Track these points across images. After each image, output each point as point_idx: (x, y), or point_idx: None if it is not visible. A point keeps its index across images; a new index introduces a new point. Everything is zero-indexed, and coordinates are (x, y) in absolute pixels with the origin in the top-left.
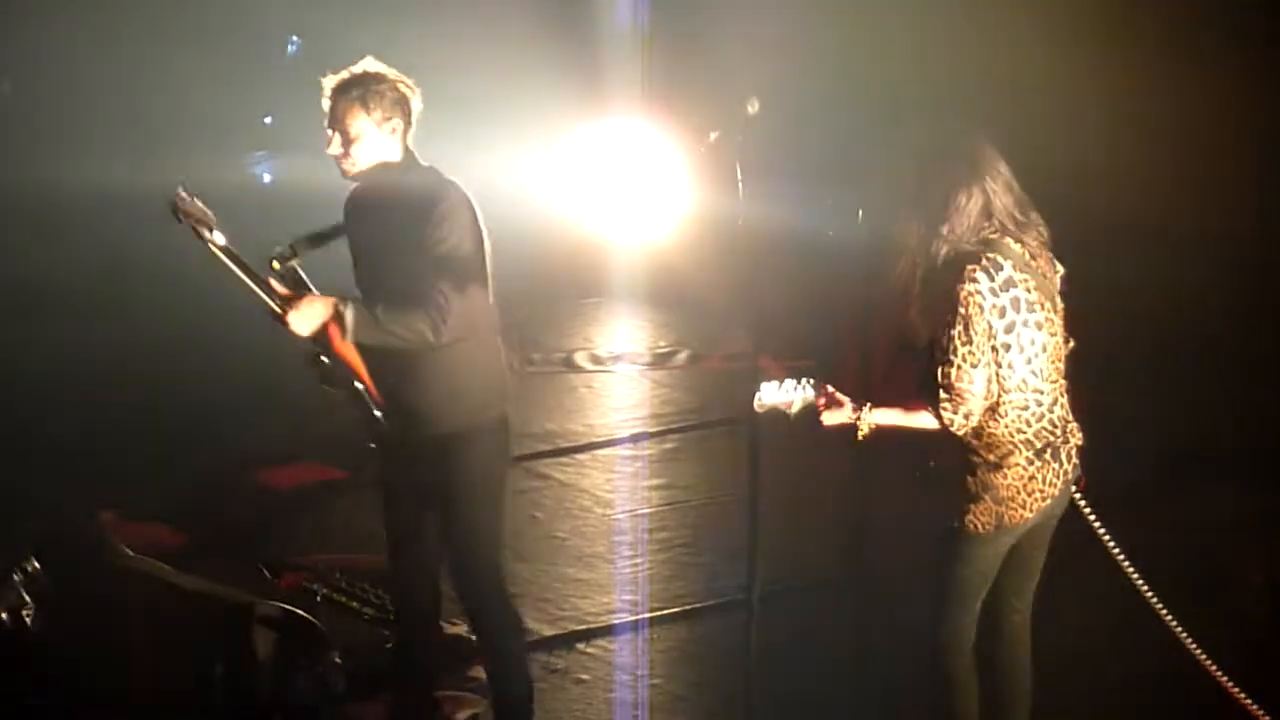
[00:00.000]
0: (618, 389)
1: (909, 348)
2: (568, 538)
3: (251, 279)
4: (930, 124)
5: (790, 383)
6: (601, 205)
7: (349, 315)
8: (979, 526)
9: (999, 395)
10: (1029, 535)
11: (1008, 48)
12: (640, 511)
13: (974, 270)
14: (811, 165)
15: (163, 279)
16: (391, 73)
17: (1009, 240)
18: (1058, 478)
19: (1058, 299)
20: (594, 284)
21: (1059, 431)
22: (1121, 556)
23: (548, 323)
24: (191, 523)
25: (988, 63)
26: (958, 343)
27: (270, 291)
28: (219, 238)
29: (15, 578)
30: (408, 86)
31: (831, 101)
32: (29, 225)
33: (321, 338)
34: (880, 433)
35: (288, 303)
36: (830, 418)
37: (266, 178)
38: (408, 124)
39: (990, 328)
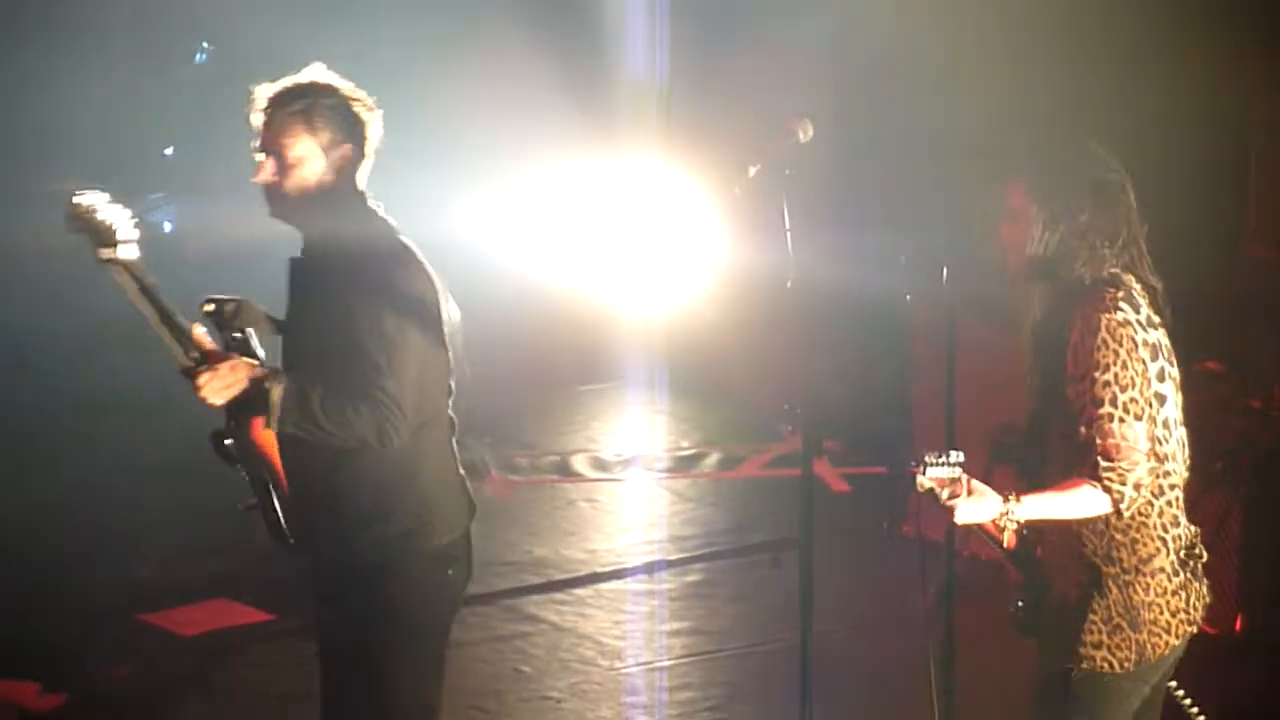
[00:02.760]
0: (628, 503)
1: (1010, 438)
2: (564, 698)
3: (162, 317)
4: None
5: (950, 454)
6: (609, 265)
7: (275, 394)
8: (1115, 664)
9: (1156, 463)
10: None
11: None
12: (658, 664)
13: (1117, 295)
14: (876, 209)
15: (33, 355)
16: (346, 86)
17: (1133, 278)
18: (1199, 601)
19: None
20: (598, 366)
21: (1194, 541)
22: None
23: (538, 416)
24: (69, 680)
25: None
26: (1114, 388)
27: (185, 338)
28: (128, 252)
29: None
30: (365, 106)
31: (902, 130)
32: None
33: (239, 415)
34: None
35: (205, 360)
36: (969, 511)
37: (167, 226)
38: (360, 155)
39: (1146, 371)
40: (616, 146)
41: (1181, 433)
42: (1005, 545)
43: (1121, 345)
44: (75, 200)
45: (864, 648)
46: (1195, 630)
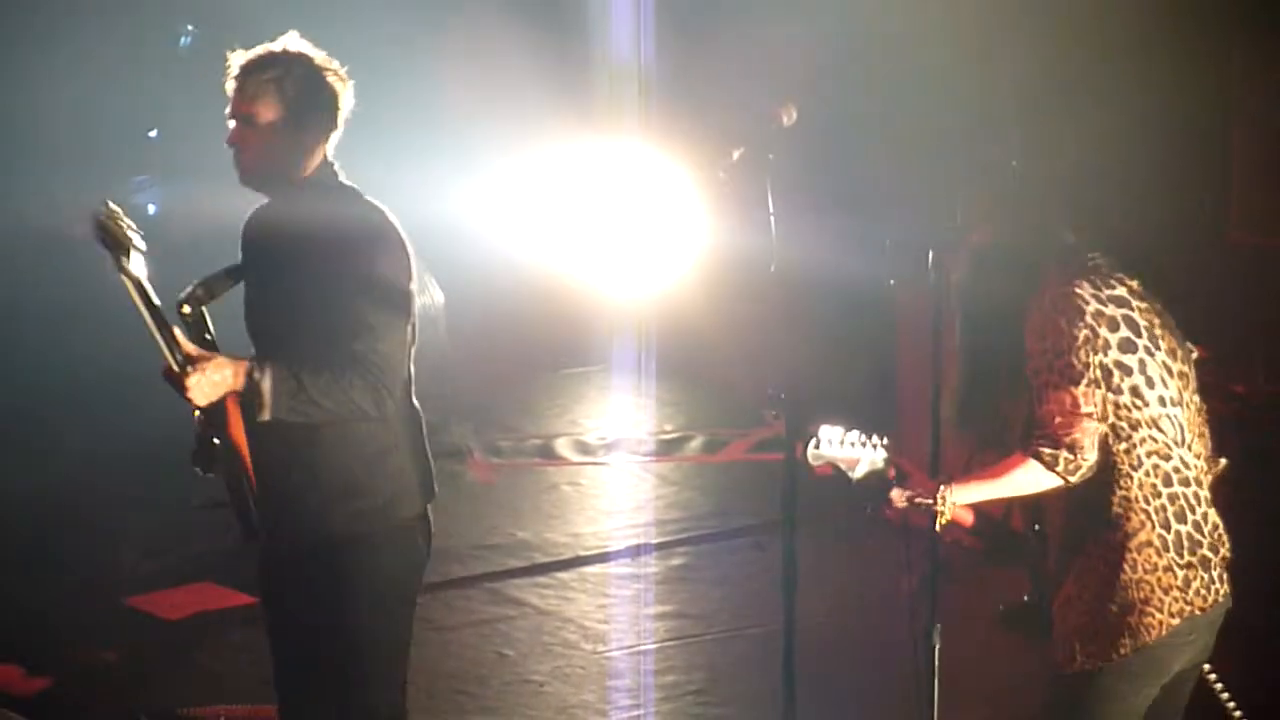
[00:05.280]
0: (612, 487)
1: (995, 425)
2: (546, 682)
3: (158, 327)
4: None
5: (856, 435)
6: (592, 248)
7: (266, 385)
8: (1114, 652)
9: (1126, 433)
10: (1169, 690)
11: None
12: (642, 648)
13: (1074, 275)
14: (860, 194)
15: (7, 341)
16: (319, 55)
17: (1119, 275)
18: (1208, 590)
19: (1192, 373)
20: (581, 349)
21: (1206, 531)
22: None
23: (520, 399)
24: (54, 663)
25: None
26: (1049, 355)
27: (174, 344)
28: (137, 268)
29: None
30: (338, 76)
31: (886, 115)
32: None
33: (217, 413)
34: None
35: (191, 363)
36: (902, 498)
37: (151, 208)
38: (332, 125)
39: (1096, 338)
40: (600, 130)
41: (1174, 411)
42: (938, 529)
43: (1063, 315)
44: (108, 209)
45: (848, 631)
46: (1200, 620)
